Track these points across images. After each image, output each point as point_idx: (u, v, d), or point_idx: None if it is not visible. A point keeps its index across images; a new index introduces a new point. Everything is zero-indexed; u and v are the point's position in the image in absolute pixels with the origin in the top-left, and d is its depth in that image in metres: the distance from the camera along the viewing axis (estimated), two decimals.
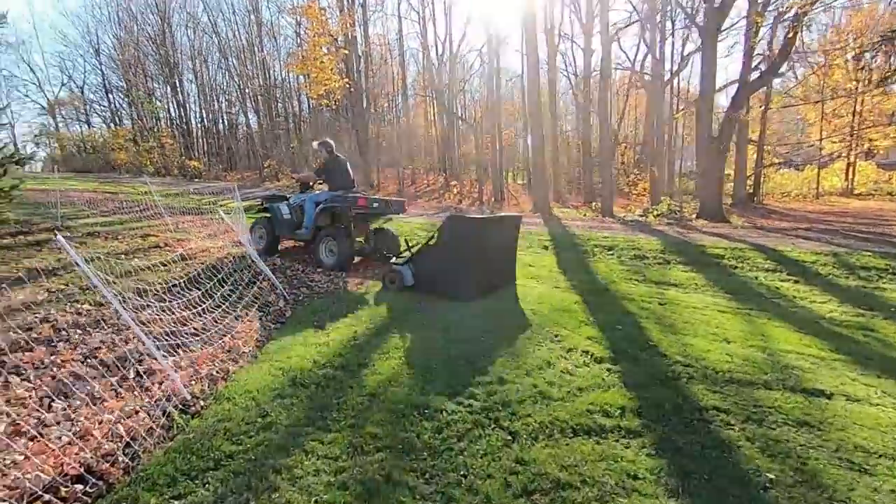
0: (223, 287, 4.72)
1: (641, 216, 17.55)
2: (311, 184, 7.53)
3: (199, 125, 40.53)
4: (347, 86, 24.56)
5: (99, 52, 38.05)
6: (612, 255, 8.99)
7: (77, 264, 2.52)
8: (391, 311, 4.98)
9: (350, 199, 6.56)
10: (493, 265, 5.94)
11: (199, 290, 4.41)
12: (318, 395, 3.03)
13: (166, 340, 3.54)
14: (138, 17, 36.50)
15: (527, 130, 34.10)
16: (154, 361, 3.26)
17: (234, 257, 6.30)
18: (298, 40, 31.04)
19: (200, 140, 40.58)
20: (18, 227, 8.05)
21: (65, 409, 2.65)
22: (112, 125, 39.21)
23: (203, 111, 39.81)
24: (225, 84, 38.04)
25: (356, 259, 7.29)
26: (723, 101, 26.36)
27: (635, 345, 4.16)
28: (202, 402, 2.80)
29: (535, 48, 17.55)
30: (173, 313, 4.15)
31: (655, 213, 17.72)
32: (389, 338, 4.12)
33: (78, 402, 2.72)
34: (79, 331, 4.06)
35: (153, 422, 2.54)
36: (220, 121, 40.22)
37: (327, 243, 6.76)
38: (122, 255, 6.64)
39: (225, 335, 3.90)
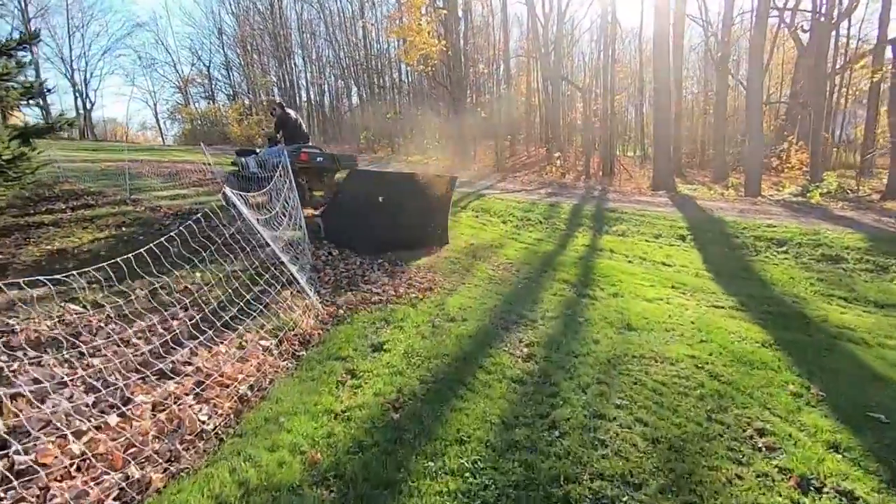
0: (227, 292, 3.36)
1: (799, 195, 13.86)
2: (278, 138, 7.35)
3: (307, 97, 41.60)
4: (445, 49, 22.82)
5: (221, 31, 40.30)
6: (786, 252, 6.41)
7: None
8: (462, 343, 3.27)
9: (293, 154, 6.51)
10: (400, 224, 5.78)
11: (189, 298, 3.07)
12: None
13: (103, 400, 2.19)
14: None
15: (642, 94, 30.02)
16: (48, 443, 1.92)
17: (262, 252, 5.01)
18: (398, 4, 29.81)
19: (309, 112, 41.68)
20: (86, 201, 7.64)
21: None
22: (232, 100, 41.71)
23: (310, 84, 40.70)
24: (330, 56, 38.36)
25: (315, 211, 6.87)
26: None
27: None
28: None
29: None
30: (142, 345, 2.88)
31: (820, 191, 13.89)
32: (451, 410, 2.43)
33: None
34: (33, 354, 2.94)
35: None
36: (328, 93, 40.93)
37: None
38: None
39: (201, 385, 2.49)
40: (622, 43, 33.51)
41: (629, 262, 6.34)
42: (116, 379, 2.64)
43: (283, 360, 2.90)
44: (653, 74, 16.59)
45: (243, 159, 7.47)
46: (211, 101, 44.94)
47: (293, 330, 3.17)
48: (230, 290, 3.64)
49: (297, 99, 41.05)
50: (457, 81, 25.72)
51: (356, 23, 34.44)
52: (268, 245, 3.35)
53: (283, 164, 5.53)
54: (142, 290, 4.07)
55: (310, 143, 7.39)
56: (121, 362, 2.80)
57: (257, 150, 7.59)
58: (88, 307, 3.77)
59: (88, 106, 36.04)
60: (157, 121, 45.01)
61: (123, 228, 6.00)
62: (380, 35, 34.44)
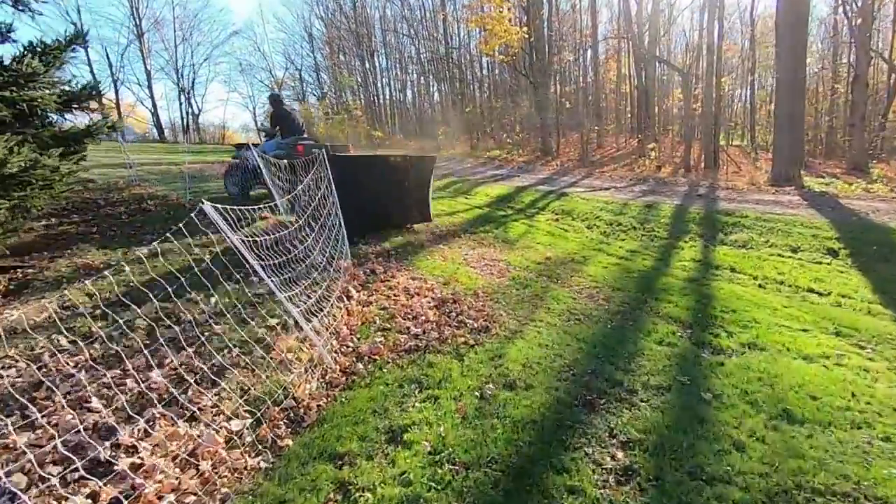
0: (222, 332, 2.54)
1: None
2: (277, 133, 7.65)
3: (389, 95, 42.02)
4: (527, 37, 21.36)
5: (312, 36, 41.94)
6: None
7: None
8: (521, 437, 2.17)
9: (289, 147, 6.88)
10: (378, 202, 5.99)
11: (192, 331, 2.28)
12: None
13: None
14: None
15: (753, 75, 26.25)
16: None
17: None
18: None
19: (390, 109, 42.06)
20: (146, 206, 7.48)
21: None
22: (321, 101, 43.30)
23: (392, 81, 41.03)
24: (412, 52, 38.35)
25: None
26: None
27: None
28: None
29: None
30: (99, 411, 2.13)
31: None
32: None
33: None
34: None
35: None
36: (409, 89, 41.06)
37: None
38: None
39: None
40: (728, 19, 29.78)
41: (760, 286, 4.79)
42: (25, 476, 1.91)
43: (255, 456, 1.99)
44: (776, 44, 13.96)
45: (244, 153, 7.67)
46: (301, 102, 46.98)
47: (282, 403, 2.27)
48: (227, 327, 2.84)
49: (380, 97, 41.51)
50: (539, 71, 24.10)
51: (437, 17, 33.97)
52: (260, 278, 2.48)
53: (321, 161, 4.74)
54: (143, 320, 3.43)
55: (305, 136, 7.80)
56: (52, 445, 2.07)
57: (257, 145, 7.80)
58: (77, 341, 3.20)
59: (196, 111, 39.02)
60: (256, 123, 47.88)
61: (165, 237, 5.58)
62: (460, 29, 33.66)
